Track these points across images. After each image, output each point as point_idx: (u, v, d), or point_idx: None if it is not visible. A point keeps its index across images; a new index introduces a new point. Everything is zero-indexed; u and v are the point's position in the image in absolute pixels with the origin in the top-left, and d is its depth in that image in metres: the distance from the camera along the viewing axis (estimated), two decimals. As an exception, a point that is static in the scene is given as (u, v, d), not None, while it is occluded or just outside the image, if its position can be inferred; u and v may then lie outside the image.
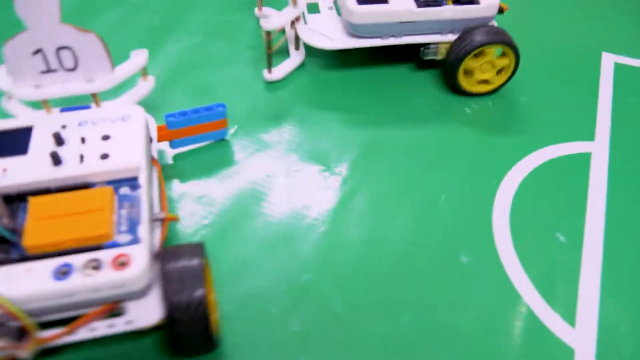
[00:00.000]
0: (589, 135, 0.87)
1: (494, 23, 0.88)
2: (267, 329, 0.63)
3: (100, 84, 0.68)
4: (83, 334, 0.51)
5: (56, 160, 0.56)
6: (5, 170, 0.55)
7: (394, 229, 0.73)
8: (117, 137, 0.60)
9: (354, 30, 0.84)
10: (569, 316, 0.66)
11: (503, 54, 0.86)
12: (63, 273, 0.48)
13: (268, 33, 0.83)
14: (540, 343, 0.64)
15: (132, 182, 0.57)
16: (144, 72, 0.76)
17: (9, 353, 0.48)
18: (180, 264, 0.53)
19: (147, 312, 0.51)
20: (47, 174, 0.55)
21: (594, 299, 0.68)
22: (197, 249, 0.55)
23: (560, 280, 0.69)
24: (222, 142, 0.81)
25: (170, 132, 0.75)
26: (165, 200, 0.63)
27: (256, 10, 1.01)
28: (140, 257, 0.50)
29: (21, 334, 0.49)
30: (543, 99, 0.92)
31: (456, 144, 0.84)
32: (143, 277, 0.50)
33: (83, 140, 0.59)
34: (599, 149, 0.85)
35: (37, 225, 0.51)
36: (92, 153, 0.58)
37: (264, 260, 0.69)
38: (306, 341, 0.62)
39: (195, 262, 0.53)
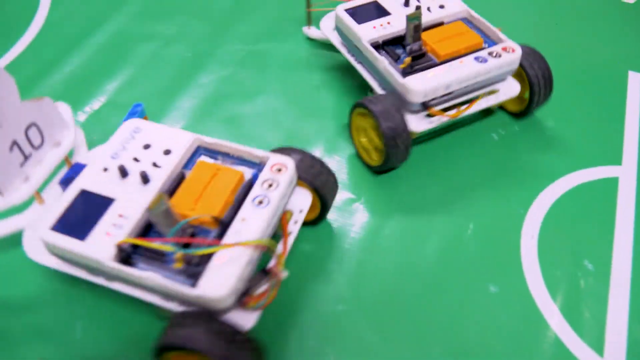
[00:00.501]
0: (617, 160, 0.88)
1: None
2: (304, 361, 0.66)
3: (67, 142, 0.69)
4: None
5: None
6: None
7: (423, 258, 0.75)
8: None
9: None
10: (598, 345, 0.67)
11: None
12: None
13: None
14: (569, 372, 0.65)
15: None
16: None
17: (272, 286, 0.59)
18: None
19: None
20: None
21: (623, 327, 0.69)
22: None
23: (588, 308, 0.71)
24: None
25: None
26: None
27: (305, 28, 1.07)
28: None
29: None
30: (569, 123, 0.93)
31: (484, 172, 0.85)
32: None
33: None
34: (626, 173, 0.86)
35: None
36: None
37: (299, 293, 0.72)
38: (342, 372, 0.65)
39: None
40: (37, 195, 0.66)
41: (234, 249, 0.56)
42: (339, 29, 0.90)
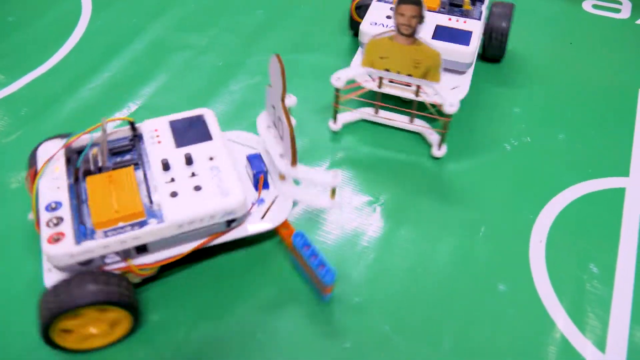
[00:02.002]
0: (624, 171, 0.92)
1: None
2: (323, 346, 0.70)
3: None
4: None
5: None
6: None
7: (436, 257, 0.80)
8: None
9: None
10: (600, 342, 0.71)
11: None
12: None
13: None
14: (572, 367, 0.69)
15: None
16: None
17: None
18: None
19: None
20: None
21: (624, 327, 0.73)
22: None
23: (593, 308, 0.75)
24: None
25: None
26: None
27: (330, 122, 1.00)
28: None
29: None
30: (579, 136, 0.97)
31: (496, 179, 0.90)
32: None
33: None
34: (633, 184, 0.90)
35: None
36: None
37: (319, 284, 0.77)
38: (357, 358, 0.69)
39: None
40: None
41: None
42: None
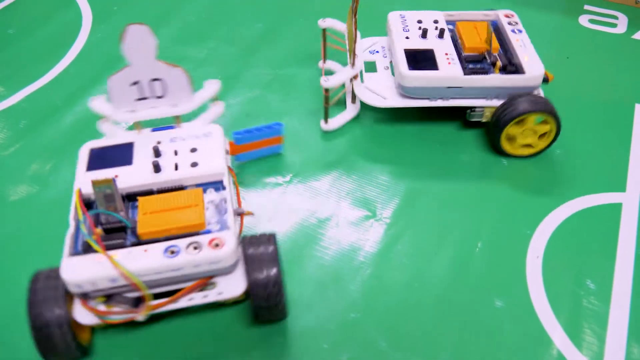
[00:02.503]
0: (621, 187, 0.92)
1: (540, 91, 0.94)
2: (318, 362, 0.70)
3: (184, 108, 0.81)
4: (183, 302, 0.65)
5: (157, 168, 0.72)
6: (117, 176, 0.71)
7: (433, 273, 0.80)
8: (203, 149, 0.75)
9: (405, 92, 0.93)
10: (597, 359, 0.71)
11: (544, 121, 0.91)
12: (172, 252, 0.63)
13: (326, 90, 0.94)
14: (569, 384, 0.69)
15: (217, 184, 0.73)
16: (215, 98, 0.87)
17: (128, 317, 0.63)
18: (259, 249, 0.68)
19: (234, 286, 0.67)
20: (150, 179, 0.71)
21: (621, 343, 0.73)
22: (272, 238, 0.69)
23: (589, 325, 0.75)
24: (278, 188, 0.90)
25: (236, 147, 0.90)
26: (240, 199, 0.80)
27: (320, 62, 1.11)
28: (229, 240, 0.65)
29: (137, 302, 0.64)
30: (577, 151, 0.97)
31: (493, 195, 0.90)
32: (232, 255, 0.65)
33: (176, 152, 0.75)
34: (629, 200, 0.90)
35: (146, 218, 0.65)
36: (184, 162, 0.73)
37: (316, 299, 0.77)
38: (353, 374, 0.70)
39: (270, 248, 0.68)
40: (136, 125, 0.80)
41: None
42: (409, 89, 0.93)
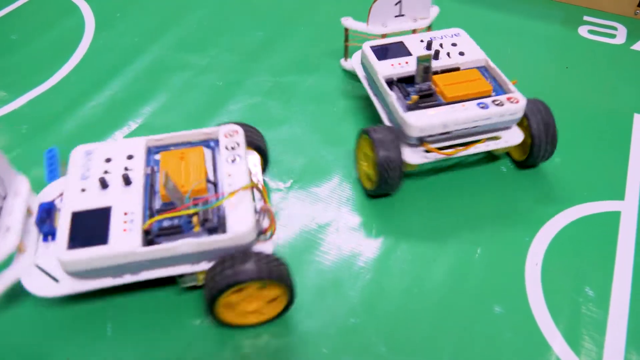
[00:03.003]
0: (619, 195, 0.92)
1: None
2: (318, 367, 0.70)
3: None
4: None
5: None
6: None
7: (433, 279, 0.80)
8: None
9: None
10: (596, 367, 0.71)
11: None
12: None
13: (346, 29, 1.07)
14: (568, 391, 0.69)
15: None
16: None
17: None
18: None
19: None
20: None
21: (620, 350, 0.73)
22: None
23: (588, 331, 0.75)
24: (278, 194, 0.91)
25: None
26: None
27: (342, 60, 1.15)
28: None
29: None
30: (575, 159, 0.98)
31: (492, 202, 0.91)
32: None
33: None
34: (628, 208, 0.90)
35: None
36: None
37: (315, 304, 0.77)
38: (353, 380, 0.69)
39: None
40: (20, 245, 0.71)
41: (235, 195, 0.69)
42: (363, 64, 0.98)
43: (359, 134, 0.90)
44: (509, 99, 0.84)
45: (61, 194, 0.75)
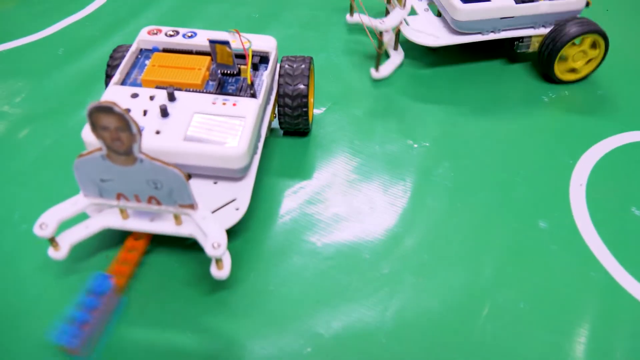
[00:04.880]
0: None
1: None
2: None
3: None
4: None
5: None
6: None
7: (475, 195, 0.79)
8: None
9: (458, 27, 0.93)
10: (644, 278, 0.70)
11: (593, 46, 0.93)
12: None
13: (381, 33, 0.91)
14: (616, 302, 0.68)
15: None
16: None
17: None
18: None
19: None
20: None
21: (669, 265, 0.72)
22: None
23: (636, 247, 0.73)
24: (316, 116, 0.90)
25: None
26: None
27: (347, 16, 1.10)
28: None
29: None
30: (618, 92, 0.96)
31: (533, 129, 0.89)
32: None
33: None
34: (673, 138, 0.89)
35: None
36: None
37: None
38: (394, 279, 0.69)
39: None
40: None
41: None
42: (462, 23, 0.93)
43: (559, 49, 0.92)
44: None
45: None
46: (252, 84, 0.73)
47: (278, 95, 0.79)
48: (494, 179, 0.81)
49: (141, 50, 0.79)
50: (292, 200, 0.78)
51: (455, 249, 0.73)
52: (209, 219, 0.60)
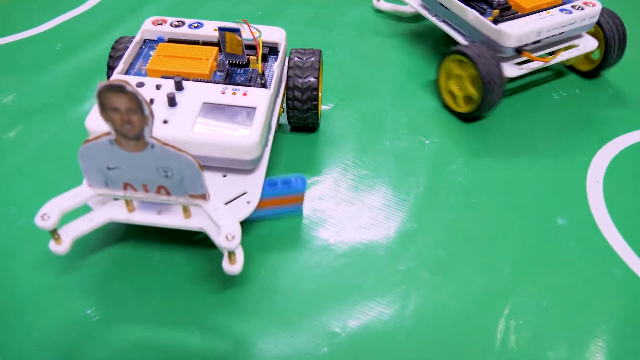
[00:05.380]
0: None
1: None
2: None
3: None
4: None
5: None
6: None
7: (490, 190, 0.77)
8: None
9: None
10: (668, 275, 0.68)
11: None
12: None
13: None
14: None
15: None
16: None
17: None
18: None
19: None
20: None
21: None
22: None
23: (657, 244, 0.72)
24: (324, 111, 0.87)
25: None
26: None
27: (374, 1, 1.11)
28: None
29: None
30: (629, 91, 0.95)
31: (545, 125, 0.87)
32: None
33: None
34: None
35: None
36: None
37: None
38: (410, 278, 0.66)
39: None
40: None
41: None
42: None
43: (445, 56, 0.86)
44: (585, 3, 0.86)
45: None
46: (263, 73, 0.71)
47: (287, 88, 0.76)
48: (507, 176, 0.79)
49: (145, 40, 0.77)
50: (302, 196, 0.75)
51: (471, 246, 0.70)
52: (222, 210, 0.57)
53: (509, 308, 0.64)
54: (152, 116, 0.49)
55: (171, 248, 0.68)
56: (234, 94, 0.66)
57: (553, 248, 0.70)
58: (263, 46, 0.75)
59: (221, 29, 0.69)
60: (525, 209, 0.75)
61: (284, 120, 0.83)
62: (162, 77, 0.69)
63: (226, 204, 0.63)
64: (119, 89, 0.47)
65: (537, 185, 0.78)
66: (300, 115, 0.78)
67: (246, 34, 0.73)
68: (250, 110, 0.65)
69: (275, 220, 0.72)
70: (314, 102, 0.77)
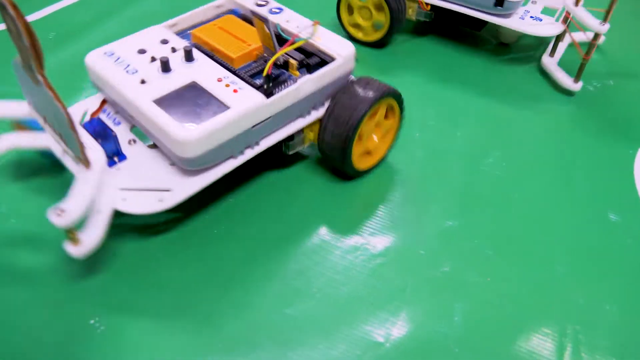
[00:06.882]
0: None
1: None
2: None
3: None
4: None
5: None
6: None
7: (532, 189, 0.70)
8: None
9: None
10: None
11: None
12: None
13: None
14: None
15: None
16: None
17: None
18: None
19: None
20: None
21: None
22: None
23: None
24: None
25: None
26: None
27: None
28: None
29: None
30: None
31: (583, 118, 0.82)
32: None
33: None
34: None
35: None
36: None
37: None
38: (457, 276, 0.59)
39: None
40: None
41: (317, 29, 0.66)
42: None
43: None
44: None
45: (97, 110, 0.63)
46: (269, 76, 0.59)
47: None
48: (549, 169, 0.73)
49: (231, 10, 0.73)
50: (329, 190, 0.68)
51: (519, 244, 0.63)
52: (86, 185, 0.51)
53: (570, 312, 0.57)
54: (35, 50, 0.45)
55: (175, 262, 0.60)
56: (227, 85, 0.58)
57: (608, 246, 0.64)
58: (314, 54, 0.65)
59: (253, 13, 0.62)
60: (572, 204, 0.68)
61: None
62: (195, 44, 0.65)
63: (142, 189, 0.56)
64: (2, 6, 0.44)
65: (581, 179, 0.72)
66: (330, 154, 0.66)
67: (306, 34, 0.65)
68: (222, 108, 0.56)
69: (296, 216, 0.64)
70: (347, 150, 0.64)
